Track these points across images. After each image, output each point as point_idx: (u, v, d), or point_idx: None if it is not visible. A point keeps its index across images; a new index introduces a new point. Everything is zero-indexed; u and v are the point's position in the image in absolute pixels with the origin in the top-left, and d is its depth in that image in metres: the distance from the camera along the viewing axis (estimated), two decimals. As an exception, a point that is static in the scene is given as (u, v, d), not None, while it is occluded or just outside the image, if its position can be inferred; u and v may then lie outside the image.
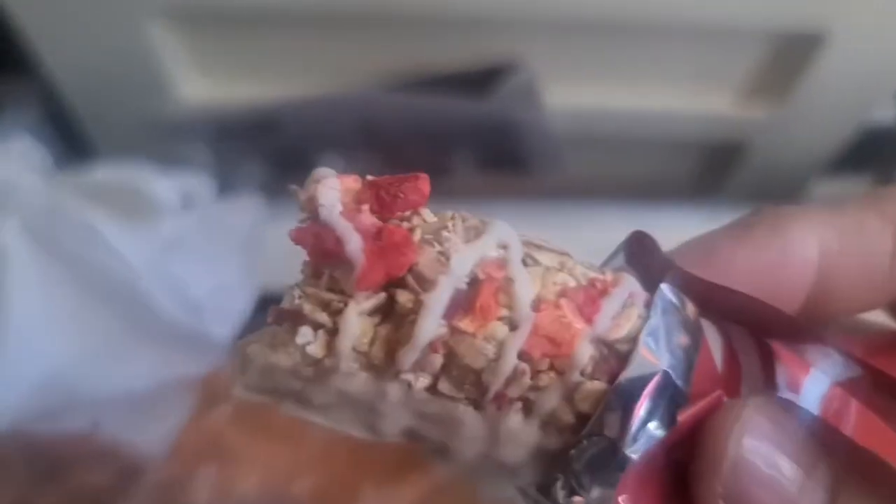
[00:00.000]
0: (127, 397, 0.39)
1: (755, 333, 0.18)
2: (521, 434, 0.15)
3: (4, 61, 0.44)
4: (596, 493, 0.15)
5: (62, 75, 0.45)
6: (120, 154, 0.43)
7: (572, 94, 0.49)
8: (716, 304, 0.17)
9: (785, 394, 0.17)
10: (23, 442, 0.38)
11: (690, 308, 0.16)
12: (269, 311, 0.16)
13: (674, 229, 0.19)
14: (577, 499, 0.15)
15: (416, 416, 0.16)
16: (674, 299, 0.16)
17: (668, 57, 0.48)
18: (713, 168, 0.56)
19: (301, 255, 0.16)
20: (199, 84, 0.47)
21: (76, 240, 0.38)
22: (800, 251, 0.18)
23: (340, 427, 0.16)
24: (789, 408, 0.16)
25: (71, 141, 0.47)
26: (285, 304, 0.15)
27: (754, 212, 0.19)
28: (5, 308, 0.37)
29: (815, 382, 0.17)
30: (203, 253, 0.41)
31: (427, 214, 0.16)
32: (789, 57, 0.47)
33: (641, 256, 0.17)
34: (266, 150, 0.47)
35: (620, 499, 0.15)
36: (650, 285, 0.16)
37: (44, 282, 0.38)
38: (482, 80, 0.47)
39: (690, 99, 0.50)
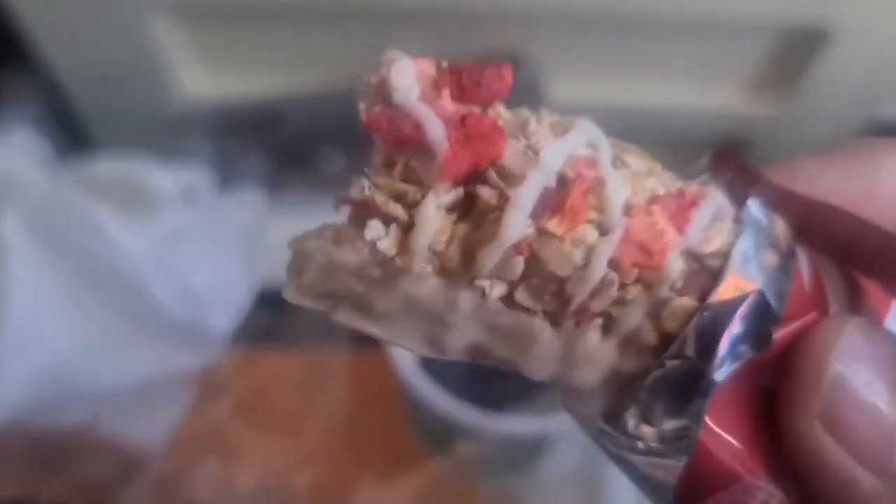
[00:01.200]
0: (127, 390, 0.39)
1: (840, 261, 0.17)
2: (597, 354, 0.14)
3: (7, 55, 0.44)
4: (671, 424, 0.14)
5: (65, 69, 0.45)
6: (122, 148, 0.43)
7: (577, 89, 0.49)
8: (804, 224, 0.16)
9: None
10: (24, 434, 0.38)
11: (780, 225, 0.15)
12: (334, 199, 0.14)
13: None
14: (647, 429, 0.14)
15: (486, 330, 0.14)
16: (762, 217, 0.15)
17: (675, 52, 0.47)
18: (719, 164, 0.56)
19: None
20: (201, 78, 0.47)
21: (77, 232, 0.38)
22: (890, 182, 0.17)
23: (399, 340, 0.15)
24: (886, 334, 0.15)
25: (73, 134, 0.47)
26: (353, 195, 0.14)
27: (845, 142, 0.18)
28: (6, 300, 0.37)
29: (895, 318, 0.17)
30: (204, 246, 0.41)
31: (503, 110, 0.14)
32: (796, 52, 0.46)
33: (725, 173, 0.16)
34: (268, 145, 0.47)
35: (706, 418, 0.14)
36: (736, 202, 0.15)
37: (44, 274, 0.38)
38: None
39: (697, 95, 0.50)
